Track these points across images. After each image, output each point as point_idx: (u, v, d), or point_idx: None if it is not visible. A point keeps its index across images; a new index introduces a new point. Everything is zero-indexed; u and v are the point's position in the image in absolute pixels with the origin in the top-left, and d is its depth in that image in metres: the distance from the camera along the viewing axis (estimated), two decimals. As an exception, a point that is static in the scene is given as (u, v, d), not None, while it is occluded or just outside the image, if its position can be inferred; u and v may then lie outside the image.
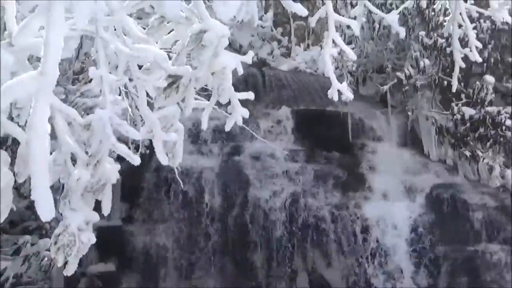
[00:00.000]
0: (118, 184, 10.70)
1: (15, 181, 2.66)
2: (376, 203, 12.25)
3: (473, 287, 11.51)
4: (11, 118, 2.69)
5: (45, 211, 1.98)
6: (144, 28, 2.94)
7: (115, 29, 2.75)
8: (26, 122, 2.69)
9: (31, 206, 11.58)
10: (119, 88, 3.69)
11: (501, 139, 12.81)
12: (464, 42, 4.80)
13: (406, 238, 11.85)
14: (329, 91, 3.85)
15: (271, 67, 15.71)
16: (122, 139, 3.52)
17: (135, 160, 2.66)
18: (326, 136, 13.26)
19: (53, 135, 2.18)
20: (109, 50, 2.62)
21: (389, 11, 7.72)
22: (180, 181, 10.41)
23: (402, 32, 4.48)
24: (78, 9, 2.23)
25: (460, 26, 4.84)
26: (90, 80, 2.80)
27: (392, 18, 4.56)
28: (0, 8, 2.60)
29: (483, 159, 12.78)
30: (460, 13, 4.76)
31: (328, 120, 13.47)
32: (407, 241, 11.84)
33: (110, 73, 2.71)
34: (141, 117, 2.87)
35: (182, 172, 11.06)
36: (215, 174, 12.45)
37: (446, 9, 11.28)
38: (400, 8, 5.57)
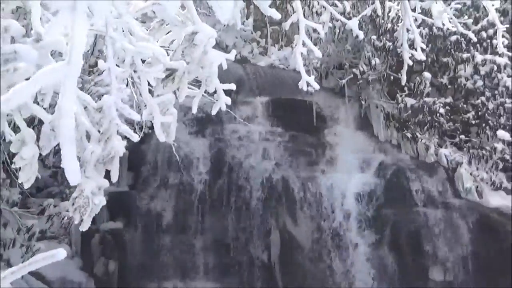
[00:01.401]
0: (125, 157, 10.69)
1: (40, 154, 2.66)
2: (336, 174, 12.31)
3: (411, 241, 11.62)
4: (36, 103, 2.69)
5: (73, 176, 1.98)
6: (147, 29, 2.94)
7: (122, 30, 2.75)
8: (49, 105, 2.69)
9: (53, 175, 11.55)
10: (127, 78, 3.68)
11: (436, 124, 12.93)
12: (409, 45, 4.83)
13: (360, 203, 11.92)
14: (299, 82, 3.87)
15: (251, 63, 15.68)
16: (128, 121, 3.53)
17: (134, 137, 2.68)
18: (296, 120, 13.29)
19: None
20: (117, 47, 2.62)
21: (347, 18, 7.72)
22: (176, 155, 10.44)
23: (361, 35, 4.50)
24: (97, 10, 2.23)
25: (408, 31, 4.87)
26: (102, 72, 2.80)
27: (353, 23, 4.58)
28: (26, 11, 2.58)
29: (421, 140, 12.88)
30: (410, 20, 4.79)
31: (297, 107, 13.50)
32: (360, 205, 11.91)
33: (118, 66, 2.72)
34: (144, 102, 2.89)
35: (178, 147, 11.07)
36: (204, 150, 12.46)
37: (393, 18, 11.30)
38: (360, 16, 5.58)
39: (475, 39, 12.45)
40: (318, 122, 13.43)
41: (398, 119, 13.10)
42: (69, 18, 2.03)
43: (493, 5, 4.57)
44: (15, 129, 2.76)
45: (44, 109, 2.70)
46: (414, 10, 4.78)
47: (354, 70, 13.53)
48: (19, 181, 2.70)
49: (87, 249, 11.29)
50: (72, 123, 2.00)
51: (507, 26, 12.54)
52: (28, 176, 2.60)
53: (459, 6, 11.71)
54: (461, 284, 11.39)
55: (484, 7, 5.00)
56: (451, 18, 4.77)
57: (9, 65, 2.18)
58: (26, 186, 2.68)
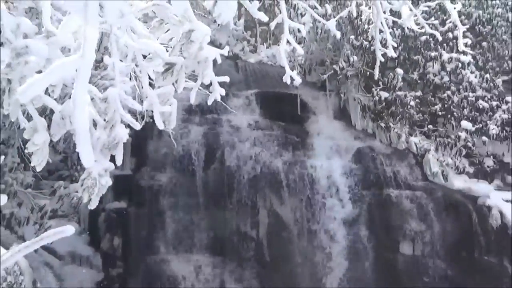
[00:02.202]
0: (129, 143, 10.67)
1: (51, 140, 2.64)
2: (317, 159, 12.31)
3: (383, 219, 11.66)
4: (47, 94, 2.67)
5: (87, 159, 1.98)
6: (148, 28, 2.91)
7: (126, 29, 2.73)
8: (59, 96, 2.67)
9: (64, 160, 11.48)
10: (130, 72, 3.66)
11: (407, 115, 12.95)
12: (382, 44, 4.83)
13: (339, 184, 11.94)
14: (284, 76, 3.87)
15: (242, 60, 15.61)
16: (131, 111, 3.50)
17: (136, 125, 2.67)
18: (282, 111, 13.27)
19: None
20: (121, 43, 2.60)
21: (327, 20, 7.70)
22: (174, 142, 10.41)
23: (338, 34, 4.50)
24: (107, 10, 2.22)
25: (381, 31, 4.86)
26: (107, 67, 2.78)
27: (331, 24, 4.57)
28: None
29: (394, 129, 12.89)
30: (381, 22, 4.77)
31: (283, 99, 13.46)
32: (339, 186, 11.94)
33: (121, 61, 2.70)
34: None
35: (177, 135, 11.06)
36: (200, 137, 12.43)
37: (369, 19, 11.28)
38: (337, 18, 5.56)
39: (441, 39, 12.56)
40: (301, 113, 13.42)
41: (373, 110, 13.12)
42: (82, 18, 2.01)
43: (455, 8, 4.58)
44: (28, 117, 2.74)
45: (55, 99, 2.68)
46: (385, 12, 4.78)
47: (334, 66, 13.51)
48: (32, 165, 2.69)
49: (94, 226, 11.27)
50: (86, 112, 2.00)
51: (467, 27, 12.58)
52: (39, 160, 2.59)
53: (427, 9, 11.73)
54: (428, 257, 11.49)
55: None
56: (418, 20, 4.77)
57: (21, 59, 2.16)
58: (38, 169, 2.67)
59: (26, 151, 2.77)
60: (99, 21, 2.36)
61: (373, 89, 13.12)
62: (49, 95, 2.69)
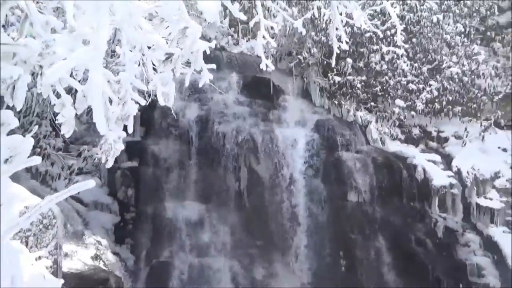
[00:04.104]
0: (138, 116, 10.56)
1: (76, 113, 2.61)
2: (285, 129, 12.32)
3: (336, 174, 11.77)
4: (72, 77, 2.62)
5: (102, 128, 1.96)
6: (151, 25, 2.86)
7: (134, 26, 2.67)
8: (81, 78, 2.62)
9: (87, 129, 11.33)
10: (138, 60, 3.60)
11: (354, 94, 13.00)
12: (337, 39, 4.80)
13: (302, 149, 12.00)
14: (260, 64, 3.85)
15: (227, 51, 15.38)
16: (140, 90, 3.46)
17: (142, 102, 2.65)
18: (258, 91, 13.15)
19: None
20: (130, 37, 2.55)
21: (294, 20, 7.62)
22: (174, 115, 10.32)
23: (303, 32, 4.48)
24: (119, 11, 2.16)
25: (336, 29, 4.83)
26: (119, 56, 2.73)
27: (298, 23, 4.53)
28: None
29: (344, 105, 12.94)
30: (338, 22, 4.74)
31: (259, 82, 13.34)
32: (302, 150, 12.00)
33: (131, 51, 2.65)
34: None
35: (176, 110, 10.96)
36: (195, 112, 12.34)
37: (327, 20, 11.17)
38: (302, 18, 5.50)
39: (381, 36, 12.55)
40: (274, 93, 13.37)
41: (329, 91, 13.13)
42: (95, 16, 1.96)
43: (394, 11, 4.57)
44: (58, 95, 2.69)
45: (79, 81, 2.64)
46: (341, 14, 4.74)
47: (299, 56, 13.43)
48: (61, 133, 2.66)
49: (112, 180, 11.22)
50: (100, 91, 1.97)
51: (404, 26, 12.57)
52: (68, 129, 2.56)
53: (371, 12, 11.69)
54: (369, 203, 11.68)
55: (389, 13, 4.99)
56: (366, 21, 4.75)
57: (50, 49, 2.11)
58: (67, 136, 2.64)
59: (56, 122, 2.73)
60: (111, 19, 2.31)
61: (329, 74, 13.11)
62: (74, 78, 2.64)
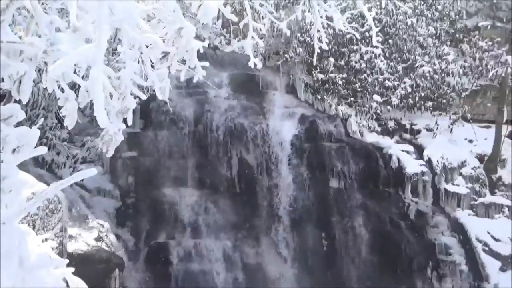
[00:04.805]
0: (138, 109, 10.48)
1: (79, 107, 2.58)
2: (273, 121, 12.27)
3: (319, 162, 11.75)
4: (75, 73, 2.60)
5: (102, 121, 1.95)
6: (149, 25, 2.84)
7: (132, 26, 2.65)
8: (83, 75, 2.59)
9: (90, 121, 11.21)
10: (137, 58, 3.57)
11: (336, 90, 13.02)
12: (319, 40, 4.80)
13: (288, 140, 11.97)
14: (249, 62, 3.84)
15: (220, 50, 15.28)
16: (139, 86, 3.43)
17: (143, 96, 2.64)
18: (248, 87, 13.10)
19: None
20: (129, 36, 2.53)
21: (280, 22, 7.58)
22: (170, 108, 10.26)
23: (288, 32, 4.48)
24: (119, 11, 2.14)
25: (318, 31, 4.83)
26: (120, 53, 2.71)
27: (283, 25, 4.53)
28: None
29: (327, 100, 12.96)
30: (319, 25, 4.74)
31: (249, 79, 13.28)
32: (288, 141, 11.97)
33: (130, 49, 2.62)
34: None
35: (173, 104, 10.89)
36: (190, 106, 12.27)
37: (310, 22, 11.12)
38: (287, 20, 5.49)
39: (360, 37, 12.54)
40: (262, 88, 13.34)
41: (313, 87, 13.13)
42: (96, 16, 1.94)
43: (370, 15, 4.58)
44: (62, 90, 2.67)
45: (82, 77, 2.61)
46: (322, 17, 4.74)
47: (286, 55, 13.39)
48: (65, 125, 2.63)
49: (113, 168, 11.17)
50: (101, 86, 1.96)
51: (379, 28, 12.58)
52: (70, 121, 2.54)
53: (351, 15, 11.69)
54: (349, 189, 11.76)
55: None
56: (345, 23, 4.75)
57: (54, 47, 2.09)
58: (70, 128, 2.62)
59: (61, 114, 2.71)
60: (112, 19, 2.28)
61: (313, 72, 13.10)
62: (77, 74, 2.62)
